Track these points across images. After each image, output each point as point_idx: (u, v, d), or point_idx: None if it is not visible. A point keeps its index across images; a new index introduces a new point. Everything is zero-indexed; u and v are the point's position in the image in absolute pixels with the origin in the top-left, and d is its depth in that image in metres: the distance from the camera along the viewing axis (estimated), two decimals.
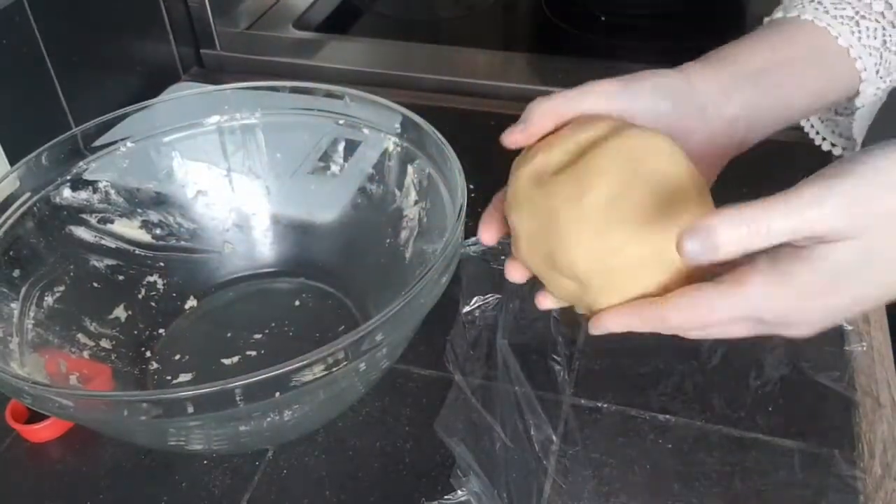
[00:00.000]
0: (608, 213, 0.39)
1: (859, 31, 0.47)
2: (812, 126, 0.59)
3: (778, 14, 0.49)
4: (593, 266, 0.39)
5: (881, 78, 0.48)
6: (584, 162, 0.40)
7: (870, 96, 0.49)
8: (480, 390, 0.55)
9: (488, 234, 0.46)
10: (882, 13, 0.47)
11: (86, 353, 0.55)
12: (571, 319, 0.59)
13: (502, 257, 0.64)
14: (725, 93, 0.45)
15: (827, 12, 0.47)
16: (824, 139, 0.58)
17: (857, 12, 0.47)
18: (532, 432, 0.52)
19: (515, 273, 0.44)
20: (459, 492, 0.49)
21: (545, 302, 0.45)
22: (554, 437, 0.52)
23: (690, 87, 0.45)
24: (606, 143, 0.40)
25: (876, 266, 0.35)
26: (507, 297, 0.61)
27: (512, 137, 0.44)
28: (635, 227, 0.38)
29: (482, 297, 0.61)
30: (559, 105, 0.43)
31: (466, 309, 0.60)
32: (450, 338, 0.58)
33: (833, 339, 0.57)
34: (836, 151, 0.58)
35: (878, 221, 0.34)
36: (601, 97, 0.43)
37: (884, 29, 0.47)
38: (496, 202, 0.46)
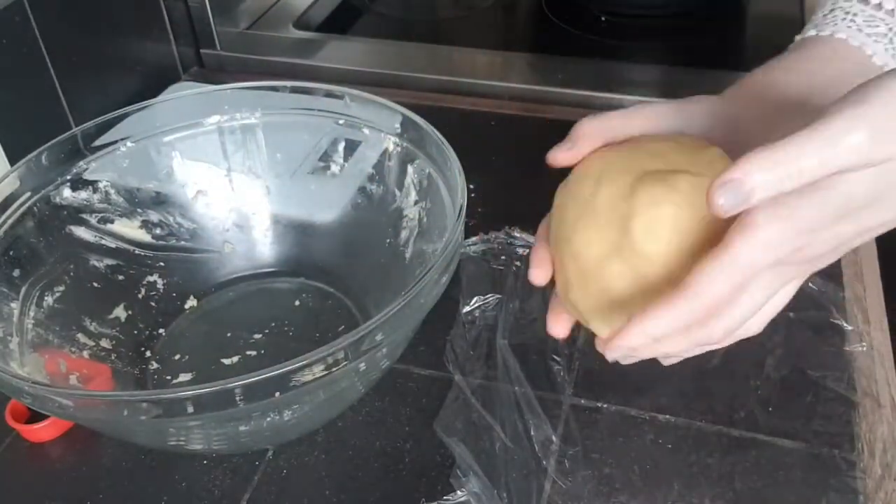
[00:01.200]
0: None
1: (894, 49, 0.46)
2: None
3: (810, 32, 0.48)
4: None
5: None
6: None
7: None
8: (480, 390, 0.55)
9: (540, 274, 0.44)
10: None
11: (86, 353, 0.55)
12: None
13: (502, 257, 0.64)
14: (770, 123, 0.43)
15: (860, 30, 0.46)
16: None
17: (890, 29, 0.46)
18: (532, 432, 0.52)
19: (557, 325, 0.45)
20: (459, 492, 0.49)
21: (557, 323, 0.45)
22: (554, 437, 0.52)
23: (738, 115, 0.44)
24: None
25: (888, 196, 0.34)
26: (507, 297, 0.61)
27: (558, 156, 0.43)
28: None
29: (482, 297, 0.61)
30: (608, 127, 0.42)
31: (466, 309, 0.60)
32: (450, 338, 0.58)
33: (833, 339, 0.57)
34: None
35: None
36: (652, 119, 0.43)
37: None
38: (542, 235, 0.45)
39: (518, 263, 0.64)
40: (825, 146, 0.32)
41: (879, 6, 0.47)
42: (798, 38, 0.50)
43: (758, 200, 0.33)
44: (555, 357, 0.57)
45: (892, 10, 0.47)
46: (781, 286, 0.38)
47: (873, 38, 0.46)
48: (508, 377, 0.55)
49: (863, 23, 0.47)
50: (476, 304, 0.61)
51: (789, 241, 0.34)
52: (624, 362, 0.43)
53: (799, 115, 0.42)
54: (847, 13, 0.48)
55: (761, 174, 0.32)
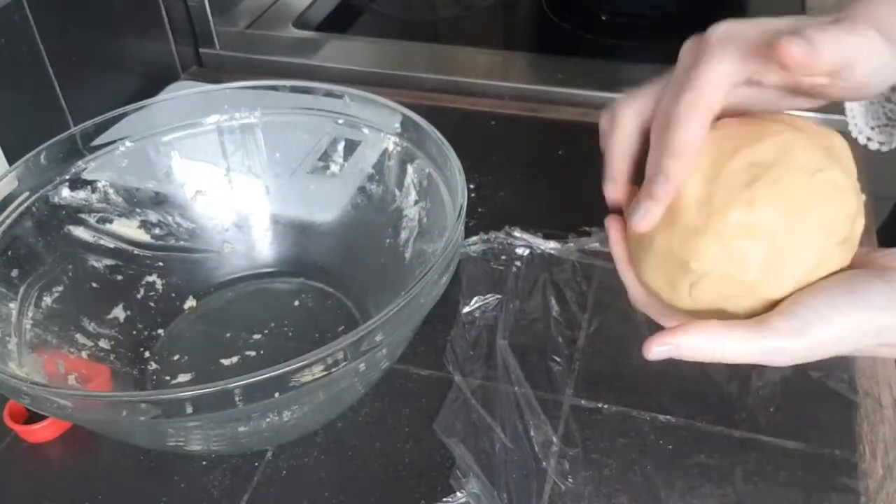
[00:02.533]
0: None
1: None
2: (855, 123, 0.58)
3: None
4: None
5: None
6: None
7: None
8: (480, 391, 0.55)
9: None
10: None
11: (84, 354, 0.55)
12: (571, 320, 0.59)
13: (502, 257, 0.64)
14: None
15: None
16: (861, 133, 0.58)
17: None
18: (532, 433, 0.52)
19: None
20: (459, 493, 0.49)
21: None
22: (554, 438, 0.52)
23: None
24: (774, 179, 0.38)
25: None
26: (507, 297, 0.61)
27: (795, 54, 0.36)
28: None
29: (482, 297, 0.61)
30: (848, 50, 0.38)
31: (466, 309, 0.60)
32: (450, 338, 0.58)
33: None
34: (872, 146, 0.58)
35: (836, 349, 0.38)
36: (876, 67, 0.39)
37: None
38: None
39: (518, 263, 0.63)
40: (752, 346, 0.37)
41: None
42: None
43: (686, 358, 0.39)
44: (555, 357, 0.57)
45: None
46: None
47: None
48: (508, 377, 0.55)
49: None
50: (476, 304, 0.60)
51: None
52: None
53: None
54: None
55: (692, 349, 0.38)
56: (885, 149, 0.57)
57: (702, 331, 0.38)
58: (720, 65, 0.37)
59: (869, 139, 0.58)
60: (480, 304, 0.61)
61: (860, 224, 0.40)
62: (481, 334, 0.59)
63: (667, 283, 0.41)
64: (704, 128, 0.38)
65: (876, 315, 0.37)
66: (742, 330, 0.38)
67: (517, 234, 0.65)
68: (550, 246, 0.64)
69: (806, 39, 0.34)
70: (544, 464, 0.50)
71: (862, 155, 0.67)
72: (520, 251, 0.64)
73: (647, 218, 0.40)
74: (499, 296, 0.61)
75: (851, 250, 0.40)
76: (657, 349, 0.39)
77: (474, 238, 0.65)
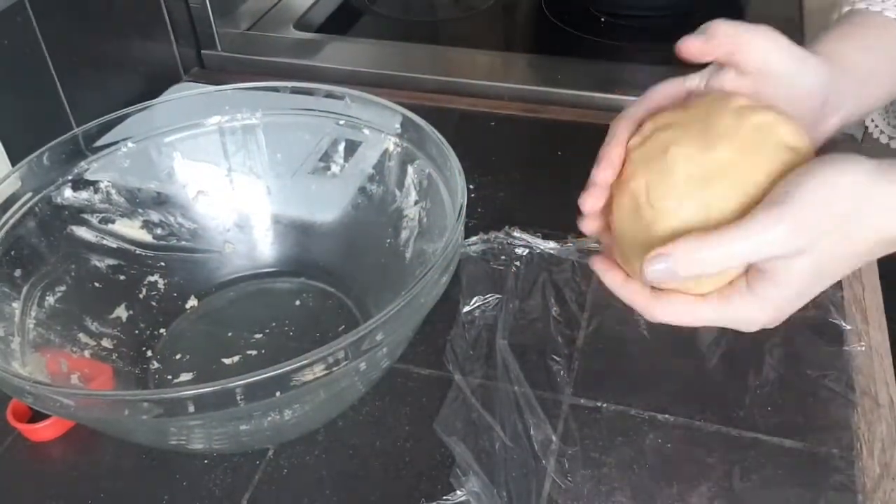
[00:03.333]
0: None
1: None
2: (873, 121, 0.59)
3: (860, 5, 0.49)
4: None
5: None
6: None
7: None
8: (480, 390, 0.55)
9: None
10: None
11: (87, 353, 0.56)
12: (571, 319, 0.60)
13: (502, 257, 0.65)
14: (843, 97, 0.45)
15: None
16: (882, 132, 0.58)
17: None
18: (531, 432, 0.52)
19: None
20: (459, 491, 0.49)
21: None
22: (553, 437, 0.52)
23: (827, 83, 0.44)
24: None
25: (827, 270, 0.39)
26: (507, 297, 0.61)
27: (692, 46, 0.45)
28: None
29: (482, 297, 0.61)
30: (739, 34, 0.44)
31: (466, 309, 0.60)
32: (450, 338, 0.58)
33: (832, 339, 0.57)
34: (894, 145, 0.58)
35: (823, 237, 0.37)
36: (773, 50, 0.43)
37: None
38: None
39: (518, 263, 0.64)
40: (746, 239, 0.37)
41: None
42: (839, 13, 0.50)
43: (685, 277, 0.38)
44: (554, 357, 0.57)
45: None
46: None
47: None
48: (508, 377, 0.55)
49: None
50: (476, 304, 0.61)
51: (754, 321, 0.41)
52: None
53: (860, 90, 0.45)
54: None
55: (688, 256, 0.37)
56: None
57: (692, 237, 0.37)
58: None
59: (891, 137, 0.58)
60: (480, 303, 0.61)
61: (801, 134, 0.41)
62: (481, 334, 0.59)
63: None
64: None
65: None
66: (727, 228, 0.37)
67: (517, 234, 0.65)
68: (550, 246, 0.64)
69: (702, 32, 0.42)
70: (544, 462, 0.51)
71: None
72: (519, 251, 0.65)
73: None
74: (499, 296, 0.61)
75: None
76: (654, 268, 0.38)
77: (474, 238, 0.65)
